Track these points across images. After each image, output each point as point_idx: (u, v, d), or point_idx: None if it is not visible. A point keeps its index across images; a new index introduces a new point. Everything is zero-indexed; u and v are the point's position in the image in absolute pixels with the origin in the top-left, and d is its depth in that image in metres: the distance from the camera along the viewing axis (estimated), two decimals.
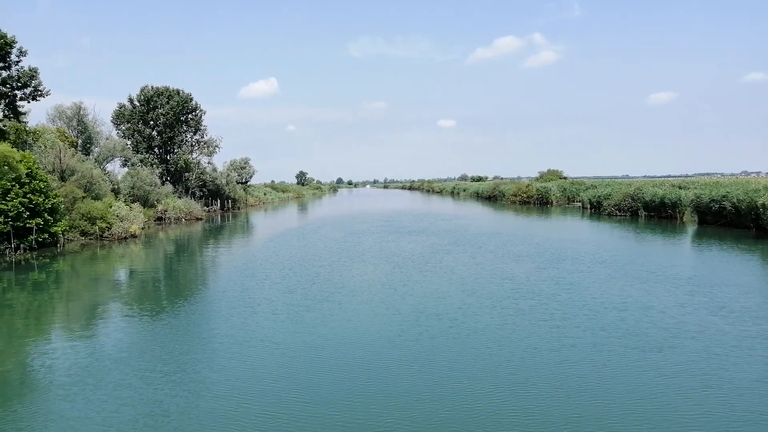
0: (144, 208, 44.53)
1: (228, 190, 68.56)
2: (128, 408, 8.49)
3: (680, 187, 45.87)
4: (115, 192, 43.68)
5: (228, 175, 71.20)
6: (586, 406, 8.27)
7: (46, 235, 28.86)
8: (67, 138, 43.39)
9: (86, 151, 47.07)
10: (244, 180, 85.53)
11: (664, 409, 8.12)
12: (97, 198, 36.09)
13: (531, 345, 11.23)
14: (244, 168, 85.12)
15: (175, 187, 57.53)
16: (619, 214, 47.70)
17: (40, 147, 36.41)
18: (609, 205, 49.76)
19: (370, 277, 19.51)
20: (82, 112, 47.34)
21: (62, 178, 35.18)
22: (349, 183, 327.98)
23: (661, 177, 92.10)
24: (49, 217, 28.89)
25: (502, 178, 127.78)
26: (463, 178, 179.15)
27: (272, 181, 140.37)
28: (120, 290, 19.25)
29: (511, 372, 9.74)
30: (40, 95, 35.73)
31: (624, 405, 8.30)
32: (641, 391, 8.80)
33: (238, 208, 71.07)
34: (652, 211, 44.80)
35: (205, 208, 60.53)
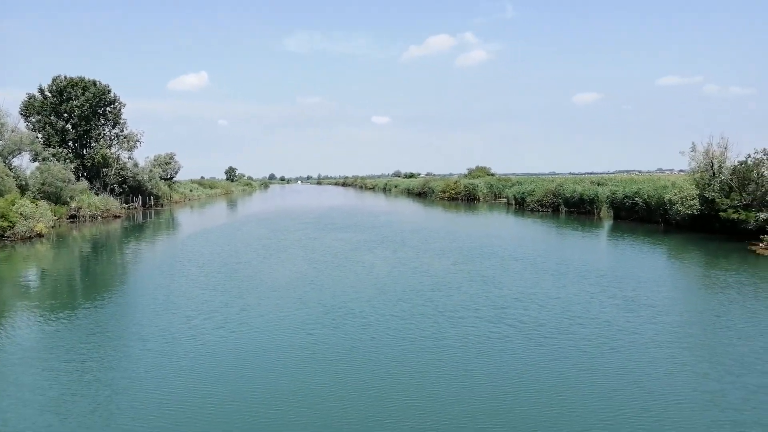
0: (55, 205, 41.93)
1: (150, 187, 65.70)
2: (29, 409, 8.13)
3: (598, 184, 47.81)
4: (23, 189, 40.88)
5: (150, 171, 68.27)
6: (471, 391, 8.45)
7: None
8: None
9: None
10: (169, 176, 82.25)
11: (548, 392, 8.34)
12: None
13: (427, 335, 11.42)
14: (169, 164, 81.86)
15: (91, 183, 54.54)
16: (541, 209, 49.25)
17: None
18: (532, 201, 51.28)
19: (289, 274, 19.14)
20: None
21: None
22: (282, 179, 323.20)
23: (585, 174, 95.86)
24: None
25: (434, 175, 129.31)
26: (397, 174, 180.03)
27: (201, 177, 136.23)
28: (20, 292, 17.93)
29: (403, 361, 9.92)
30: None
31: (509, 389, 8.48)
32: (529, 376, 9.07)
33: (161, 205, 68.33)
34: (572, 206, 46.53)
35: (125, 205, 57.80)
